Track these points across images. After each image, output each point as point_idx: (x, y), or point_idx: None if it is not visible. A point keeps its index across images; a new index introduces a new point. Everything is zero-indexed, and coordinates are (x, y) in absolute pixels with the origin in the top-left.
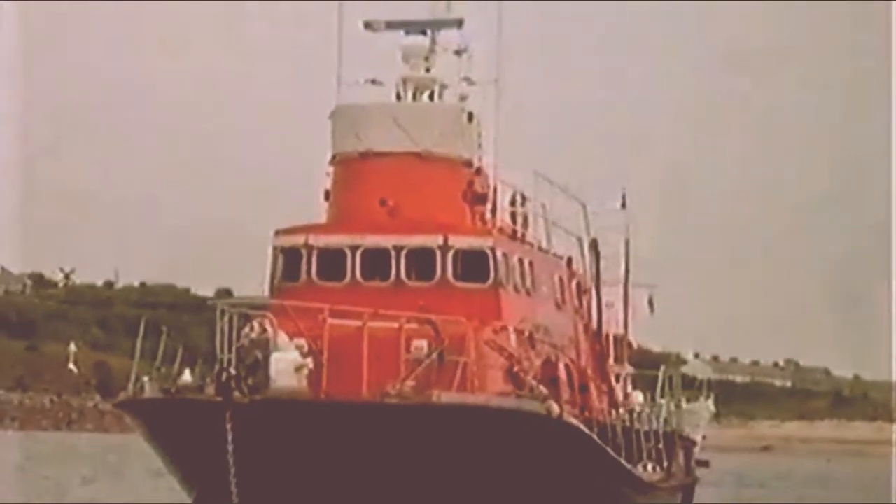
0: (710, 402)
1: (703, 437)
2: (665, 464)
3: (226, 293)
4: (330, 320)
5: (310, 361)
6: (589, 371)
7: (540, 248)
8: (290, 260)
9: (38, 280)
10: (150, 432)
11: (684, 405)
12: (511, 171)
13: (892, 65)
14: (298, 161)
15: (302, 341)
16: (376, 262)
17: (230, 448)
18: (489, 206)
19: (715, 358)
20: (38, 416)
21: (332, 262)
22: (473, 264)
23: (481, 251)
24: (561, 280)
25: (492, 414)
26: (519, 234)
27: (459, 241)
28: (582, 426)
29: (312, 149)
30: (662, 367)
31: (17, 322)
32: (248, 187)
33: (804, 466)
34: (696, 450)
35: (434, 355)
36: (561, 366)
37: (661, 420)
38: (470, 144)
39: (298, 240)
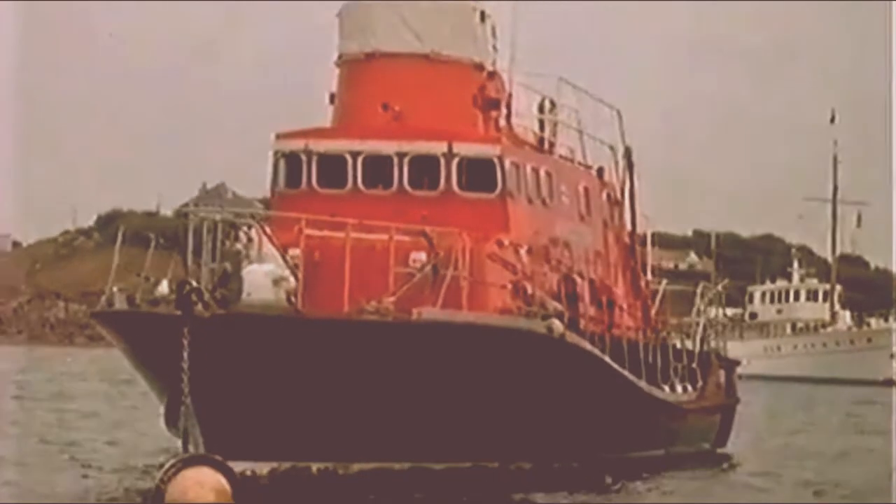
0: None
1: (893, 356)
2: (699, 384)
3: None
4: (310, 231)
5: (288, 274)
6: (618, 287)
7: (562, 157)
8: (290, 165)
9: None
10: (118, 343)
11: (892, 323)
12: (534, 76)
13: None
14: None
15: (297, 252)
16: (378, 169)
17: (185, 365)
18: (504, 112)
19: None
20: None
21: (332, 168)
22: (480, 173)
23: (488, 159)
24: (587, 191)
25: (479, 332)
26: (546, 143)
27: (465, 149)
28: (587, 345)
29: None
30: (701, 284)
31: None
32: None
33: None
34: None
35: (427, 269)
36: (582, 282)
37: (698, 338)
38: (482, 46)
39: (298, 144)
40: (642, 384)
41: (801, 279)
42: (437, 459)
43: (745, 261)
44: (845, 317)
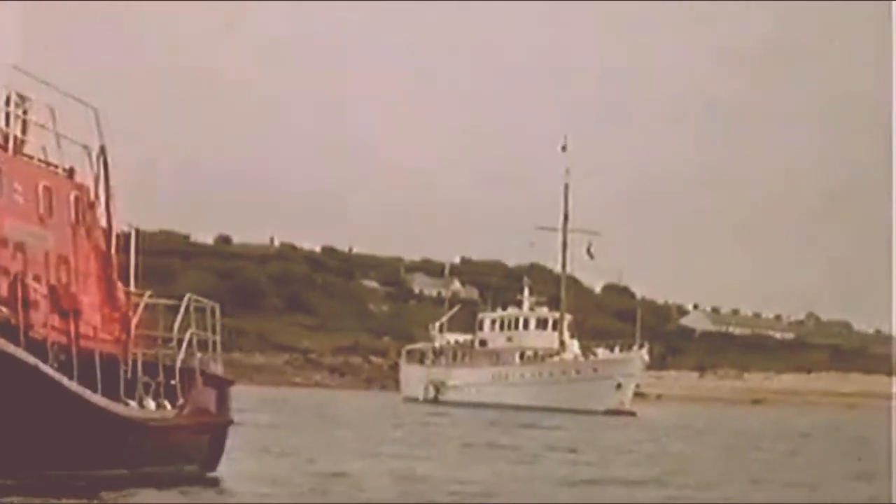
0: (644, 352)
1: (637, 385)
2: (180, 402)
3: (224, 240)
4: None
5: None
6: (87, 295)
7: (23, 154)
8: None
9: None
10: None
11: (617, 353)
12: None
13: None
14: None
15: None
16: None
17: None
18: None
19: (715, 310)
20: None
21: None
22: None
23: None
24: (49, 191)
25: None
26: (12, 139)
27: None
28: (15, 350)
29: None
30: (188, 296)
31: None
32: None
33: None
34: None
35: None
36: (39, 287)
37: (181, 354)
38: None
39: None
40: (92, 397)
41: (532, 307)
42: None
43: (510, 289)
44: (573, 346)
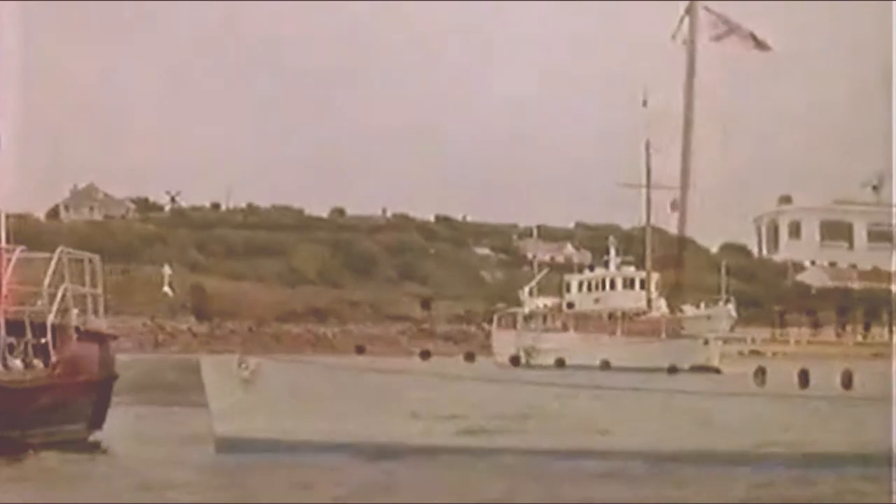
0: (731, 307)
1: (725, 342)
2: (52, 360)
3: (339, 213)
4: None
5: None
6: None
7: None
8: None
9: (143, 204)
10: None
11: (703, 310)
12: None
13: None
14: None
15: None
16: None
17: None
18: None
19: (832, 264)
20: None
21: None
22: None
23: None
24: None
25: None
26: None
27: None
28: None
29: None
30: (59, 249)
31: (114, 247)
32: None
33: None
34: None
35: None
36: None
37: (53, 310)
38: None
39: None
40: None
41: (618, 267)
42: None
43: (625, 251)
44: (661, 305)
